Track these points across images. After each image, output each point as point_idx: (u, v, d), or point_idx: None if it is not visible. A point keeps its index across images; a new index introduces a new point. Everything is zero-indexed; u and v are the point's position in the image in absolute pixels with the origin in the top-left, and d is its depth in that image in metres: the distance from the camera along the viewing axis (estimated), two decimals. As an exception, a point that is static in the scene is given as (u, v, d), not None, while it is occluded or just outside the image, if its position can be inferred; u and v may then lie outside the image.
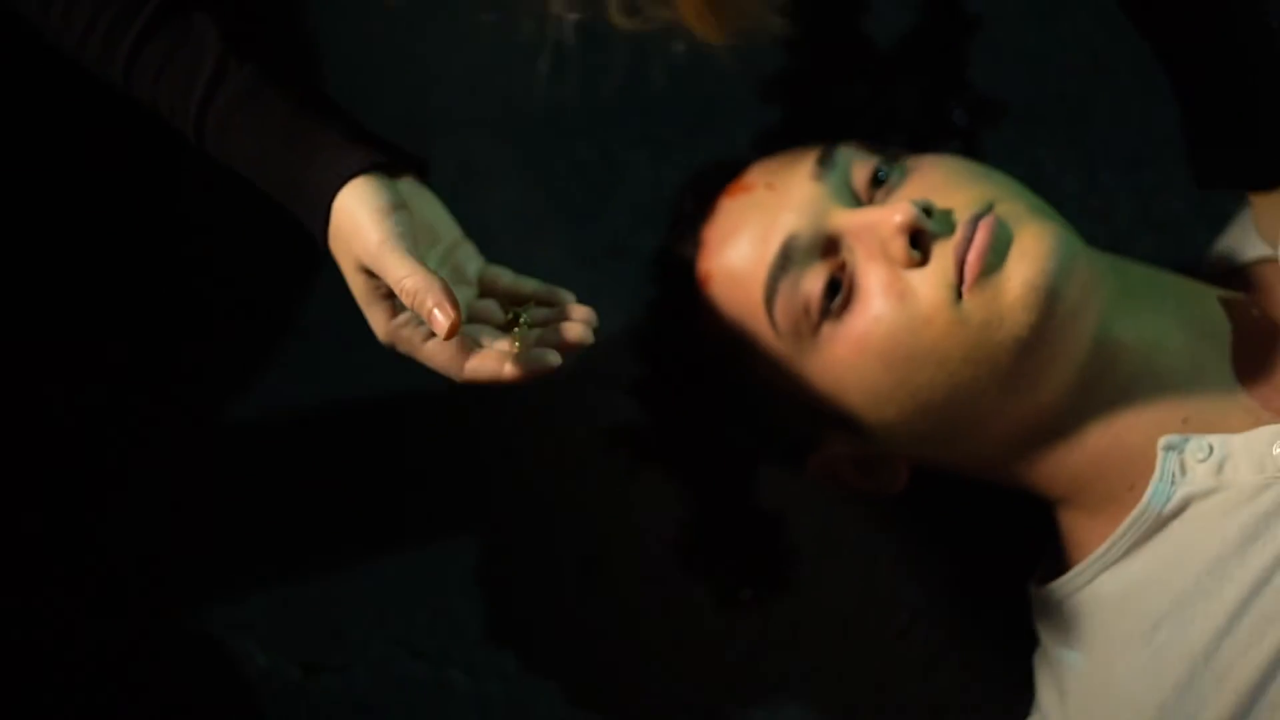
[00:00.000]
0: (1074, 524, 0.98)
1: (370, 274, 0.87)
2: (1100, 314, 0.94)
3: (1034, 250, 0.91)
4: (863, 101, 1.24)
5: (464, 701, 1.10)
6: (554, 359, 0.86)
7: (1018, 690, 1.03)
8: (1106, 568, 0.94)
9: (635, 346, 1.16)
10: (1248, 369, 0.94)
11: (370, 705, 1.10)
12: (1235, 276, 1.04)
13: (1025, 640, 1.03)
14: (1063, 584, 0.96)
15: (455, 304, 0.83)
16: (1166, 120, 1.21)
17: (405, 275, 0.84)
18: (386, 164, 0.88)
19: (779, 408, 1.00)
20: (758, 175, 1.00)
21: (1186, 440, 0.92)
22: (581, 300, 1.17)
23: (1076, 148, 1.21)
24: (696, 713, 1.09)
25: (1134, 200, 1.20)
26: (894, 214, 0.92)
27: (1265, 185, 0.98)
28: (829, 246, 0.95)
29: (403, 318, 0.88)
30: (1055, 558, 1.00)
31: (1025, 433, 0.95)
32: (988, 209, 0.93)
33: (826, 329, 0.95)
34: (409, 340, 0.88)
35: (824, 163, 0.97)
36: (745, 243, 0.97)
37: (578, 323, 0.89)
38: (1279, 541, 0.87)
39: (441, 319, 0.83)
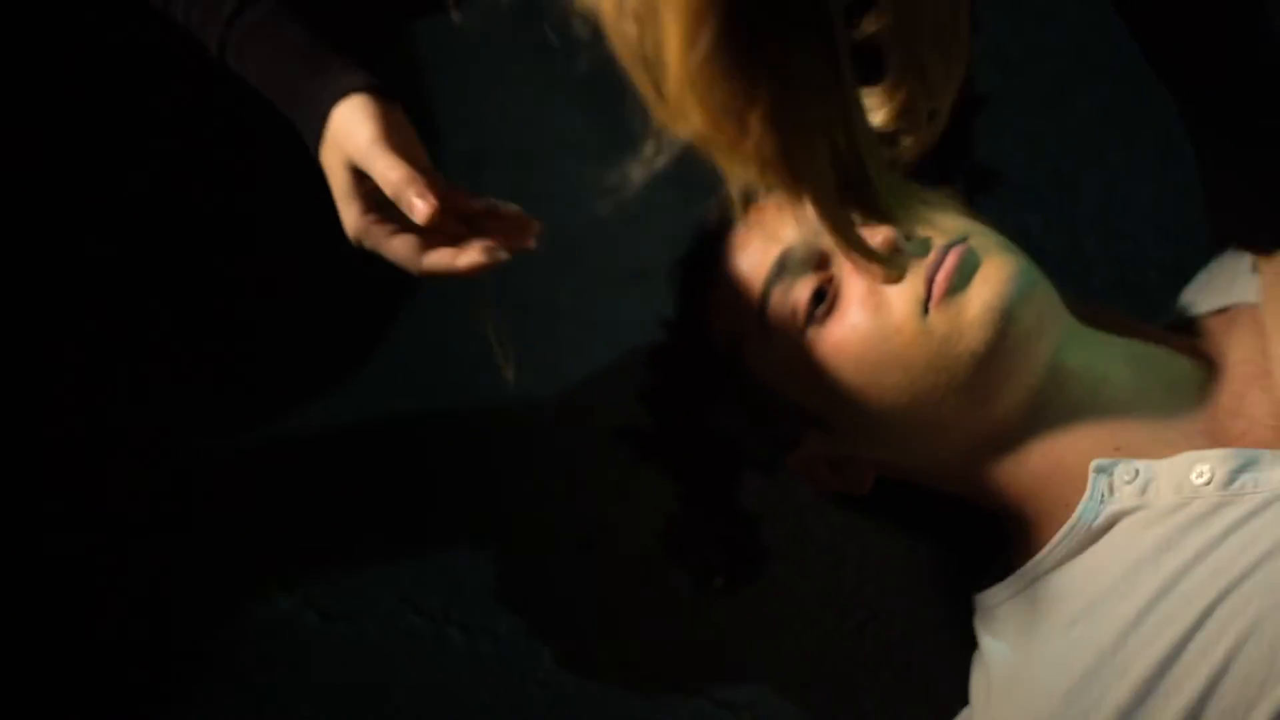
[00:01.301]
0: (1017, 535, 1.05)
1: (354, 173, 0.95)
2: (1055, 342, 1.02)
3: (995, 277, 1.00)
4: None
5: (458, 657, 1.17)
6: (501, 254, 0.95)
7: (959, 691, 1.09)
8: (1040, 576, 1.00)
9: (648, 357, 1.25)
10: (1185, 404, 1.02)
11: (376, 652, 1.17)
12: (1188, 326, 1.11)
13: (969, 646, 1.10)
14: (1001, 588, 1.03)
15: (434, 195, 0.92)
16: (1147, 199, 1.30)
17: (391, 168, 0.92)
18: (383, 88, 0.97)
19: (767, 406, 1.08)
20: (770, 201, 1.09)
21: (1115, 464, 0.99)
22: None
23: (1063, 216, 1.29)
24: (666, 683, 1.16)
25: (1111, 267, 1.28)
26: (876, 235, 1.00)
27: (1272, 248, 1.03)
28: (821, 261, 1.04)
29: (373, 216, 0.96)
30: (1000, 567, 1.07)
31: (978, 444, 1.03)
32: (961, 239, 1.01)
33: (811, 332, 1.03)
34: (377, 235, 0.96)
35: None
36: (750, 252, 1.07)
37: (524, 230, 0.98)
38: (1187, 552, 0.93)
39: (423, 206, 0.91)
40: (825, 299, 1.03)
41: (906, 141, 0.86)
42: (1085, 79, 1.34)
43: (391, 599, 1.19)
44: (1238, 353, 1.03)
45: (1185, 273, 1.23)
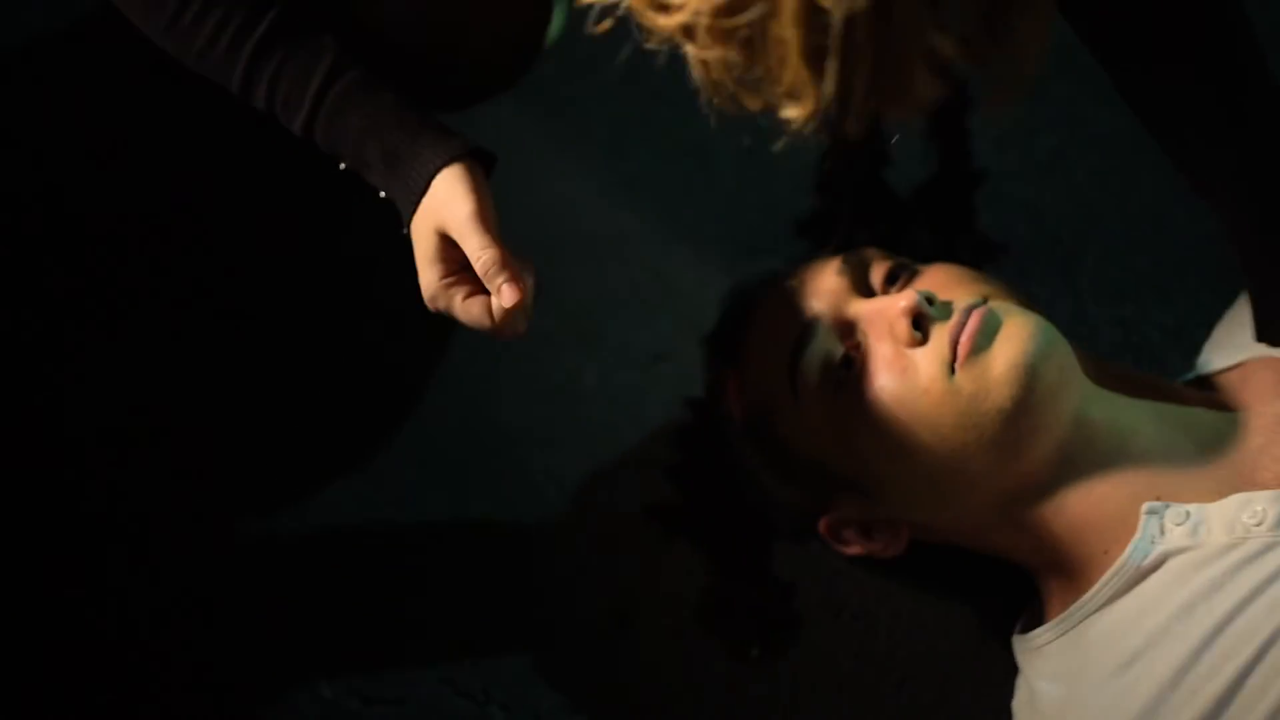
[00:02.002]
0: (1055, 584, 1.05)
1: (442, 239, 0.99)
2: (1078, 396, 1.03)
3: (1018, 335, 1.01)
4: (882, 240, 1.36)
5: (501, 735, 1.17)
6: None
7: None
8: (1088, 615, 1.01)
9: (675, 435, 1.26)
10: (1212, 453, 1.03)
11: (420, 735, 1.17)
12: (1204, 383, 1.13)
13: (1005, 700, 1.10)
14: (1046, 629, 1.04)
15: (522, 280, 0.97)
16: (1147, 263, 1.33)
17: (485, 247, 0.97)
18: (481, 152, 1.02)
19: (799, 472, 1.09)
20: (793, 276, 1.11)
21: (1167, 506, 1.00)
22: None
23: (1067, 283, 1.31)
24: (709, 755, 1.15)
25: (1116, 329, 1.29)
26: (900, 300, 1.03)
27: None
28: (846, 330, 1.06)
29: (451, 279, 1.00)
30: (1035, 616, 1.07)
31: (1010, 498, 1.04)
32: (982, 302, 1.03)
33: (841, 399, 1.04)
34: (450, 297, 1.00)
35: (848, 261, 1.09)
36: (777, 324, 1.08)
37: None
38: (1242, 589, 0.94)
39: (511, 293, 0.97)
40: (853, 365, 1.04)
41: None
42: (1081, 151, 1.37)
43: (433, 681, 1.18)
44: (1259, 403, 1.05)
45: (1187, 332, 1.25)
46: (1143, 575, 0.99)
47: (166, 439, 1.26)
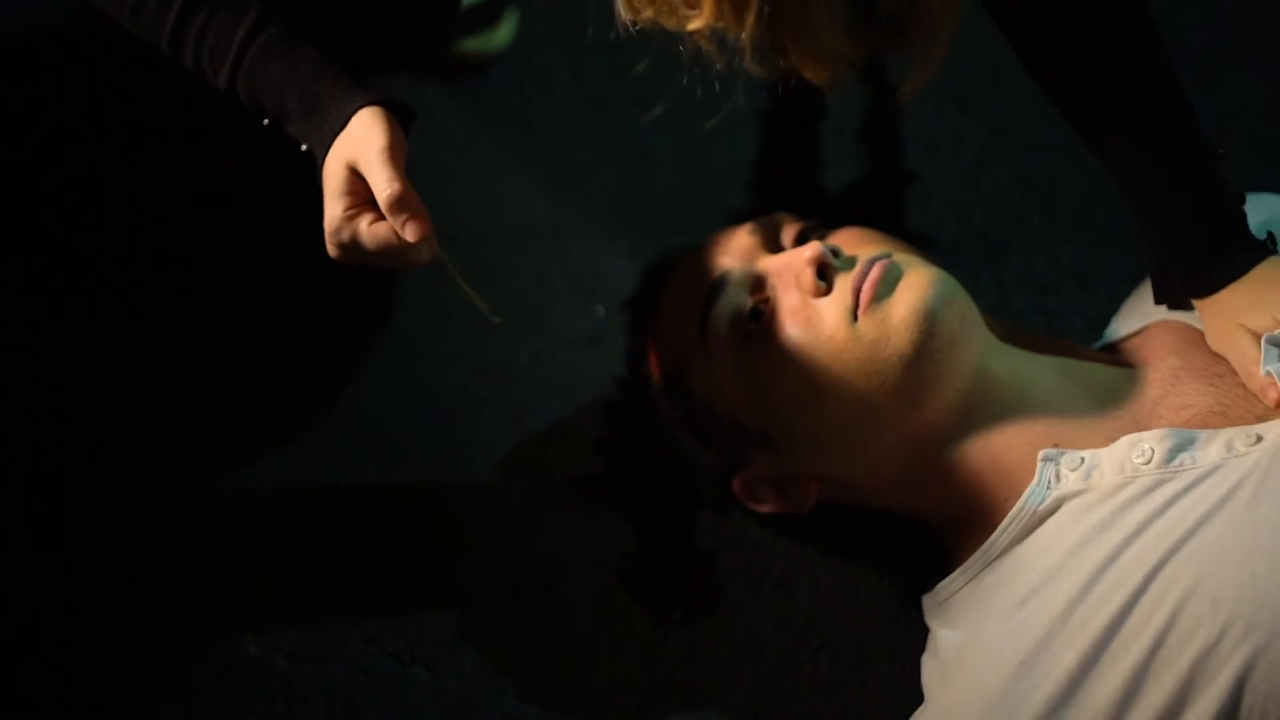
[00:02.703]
0: (960, 536, 1.05)
1: (352, 173, 1.00)
2: (980, 348, 1.04)
3: (919, 283, 1.03)
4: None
5: (424, 693, 1.16)
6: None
7: (911, 707, 1.08)
8: (989, 563, 1.01)
9: (604, 410, 1.27)
10: (1112, 404, 1.04)
11: (344, 693, 1.16)
12: (1109, 350, 1.14)
13: (918, 666, 1.09)
14: (950, 580, 1.04)
15: (424, 215, 0.98)
16: (1069, 258, 1.34)
17: (391, 180, 0.97)
18: (397, 103, 1.03)
19: (712, 428, 1.10)
20: (709, 240, 1.13)
21: (1062, 453, 1.00)
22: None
23: (992, 273, 1.33)
24: (627, 713, 1.14)
25: (1039, 318, 1.31)
26: (806, 250, 1.04)
27: (1208, 293, 1.04)
28: (756, 284, 1.07)
29: (354, 210, 1.00)
30: (944, 580, 1.07)
31: (916, 447, 1.04)
32: (886, 255, 1.05)
33: (748, 350, 1.05)
34: (355, 225, 1.00)
35: (760, 222, 1.11)
36: (689, 280, 1.10)
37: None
38: (1130, 525, 0.94)
39: (415, 228, 0.98)
40: (762, 318, 1.06)
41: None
42: (1007, 155, 1.39)
43: (358, 641, 1.18)
44: (1157, 359, 1.06)
45: (1106, 320, 1.27)
46: (1040, 520, 1.00)
47: (108, 404, 1.28)
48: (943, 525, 1.08)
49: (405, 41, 1.22)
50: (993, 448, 1.03)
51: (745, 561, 1.19)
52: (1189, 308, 1.07)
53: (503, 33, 1.46)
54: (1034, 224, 1.36)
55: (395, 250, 0.99)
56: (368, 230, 1.00)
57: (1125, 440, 0.99)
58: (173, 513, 1.24)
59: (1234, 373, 1.01)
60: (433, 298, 1.35)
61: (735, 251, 1.09)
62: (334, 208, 1.01)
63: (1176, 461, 0.96)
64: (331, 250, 1.02)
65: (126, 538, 1.22)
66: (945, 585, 1.04)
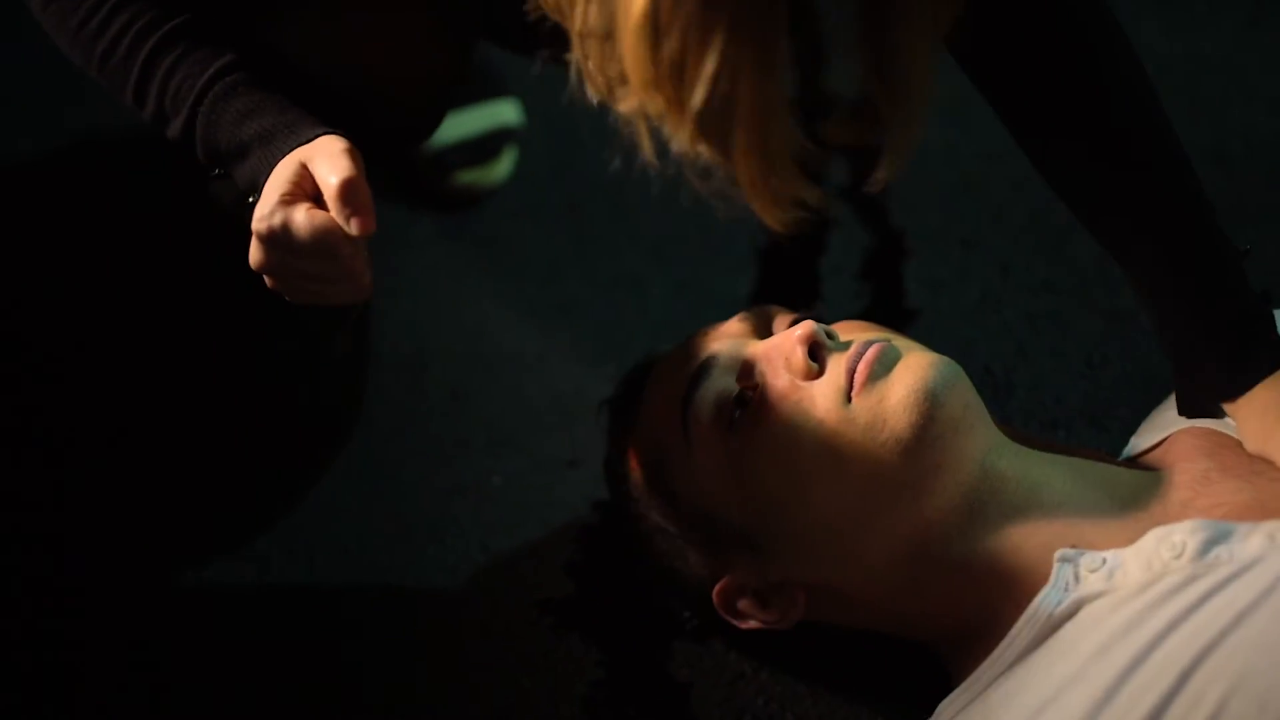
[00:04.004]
0: (962, 653, 0.90)
1: (302, 168, 0.88)
2: (985, 441, 0.91)
3: (918, 364, 0.90)
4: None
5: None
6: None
7: None
8: (997, 675, 0.86)
9: (580, 534, 1.14)
10: (1133, 506, 0.90)
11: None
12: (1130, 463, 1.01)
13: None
14: (953, 699, 0.88)
15: (374, 217, 0.86)
16: (1078, 397, 1.22)
17: (346, 170, 0.86)
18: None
19: (691, 528, 0.96)
20: (698, 332, 1.01)
21: (1081, 553, 0.87)
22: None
23: (998, 410, 1.18)
24: None
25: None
26: (796, 330, 0.92)
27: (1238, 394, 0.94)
28: (745, 370, 0.95)
29: (290, 196, 0.87)
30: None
31: (914, 552, 0.90)
32: (883, 340, 0.93)
33: (733, 438, 0.93)
34: (289, 211, 0.87)
35: (752, 311, 1.00)
36: (674, 369, 0.98)
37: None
38: (1160, 622, 0.80)
39: (360, 224, 0.85)
40: (749, 404, 0.93)
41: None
42: (1011, 295, 1.29)
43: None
44: (1183, 461, 0.92)
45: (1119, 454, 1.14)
46: (1055, 625, 0.85)
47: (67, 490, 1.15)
48: (944, 641, 0.93)
49: (389, 125, 1.13)
50: (1002, 549, 0.89)
51: (724, 695, 1.03)
52: (1219, 414, 0.94)
53: (501, 167, 1.39)
54: (1042, 363, 1.24)
55: (330, 246, 0.86)
56: (304, 215, 0.86)
57: (1153, 535, 0.85)
58: (125, 622, 1.10)
59: (1272, 469, 0.88)
60: (405, 415, 1.23)
61: (723, 337, 0.97)
62: (270, 196, 0.88)
63: (1212, 555, 0.82)
64: (254, 252, 0.89)
65: (73, 638, 1.08)
66: (947, 705, 0.88)
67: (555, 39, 0.83)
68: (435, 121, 1.23)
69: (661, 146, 0.81)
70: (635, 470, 1.00)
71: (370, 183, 0.91)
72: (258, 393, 1.23)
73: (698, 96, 0.71)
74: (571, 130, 1.40)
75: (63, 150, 1.42)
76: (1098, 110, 0.94)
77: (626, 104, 0.77)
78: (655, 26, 0.70)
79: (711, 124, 0.73)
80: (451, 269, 1.34)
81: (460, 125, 1.37)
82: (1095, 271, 1.29)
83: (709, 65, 0.70)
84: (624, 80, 0.76)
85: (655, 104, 0.75)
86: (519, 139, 1.39)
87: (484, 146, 1.38)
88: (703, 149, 0.75)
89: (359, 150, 0.90)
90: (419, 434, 1.21)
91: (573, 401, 1.23)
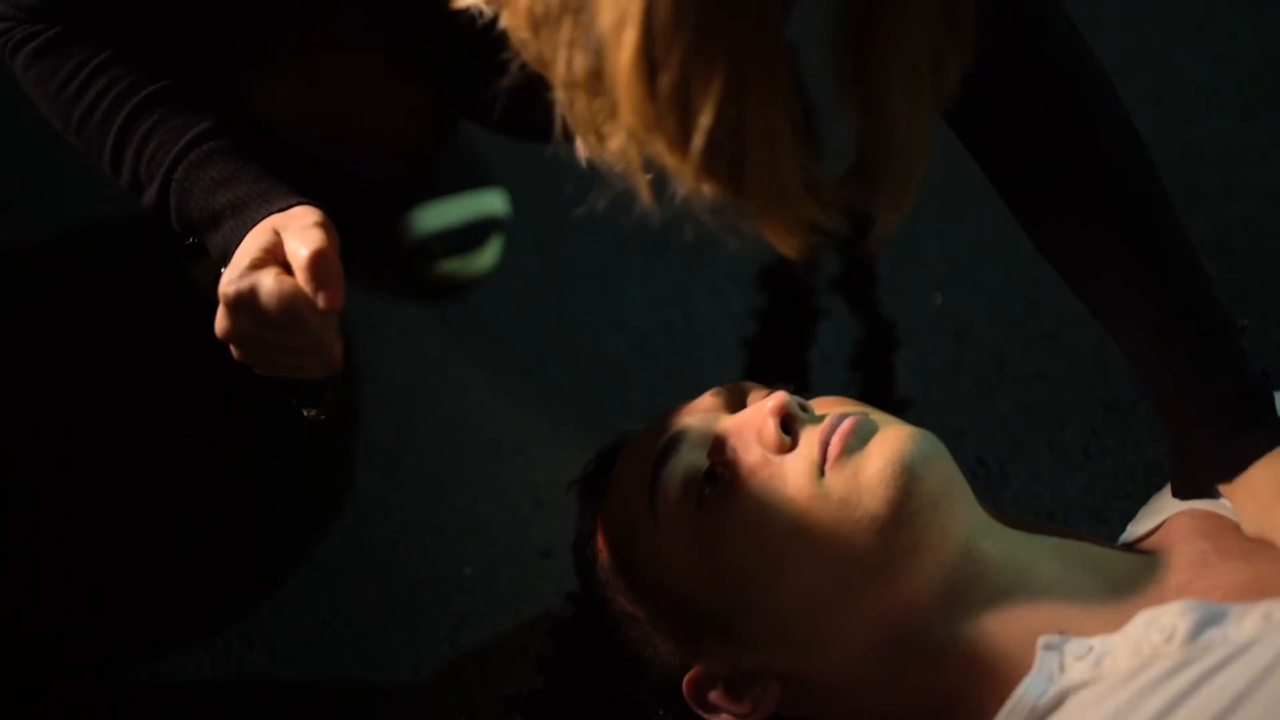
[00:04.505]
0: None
1: (275, 235, 0.85)
2: (968, 521, 0.85)
3: (895, 437, 0.85)
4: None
5: None
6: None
7: None
8: None
9: (552, 627, 1.08)
10: (1126, 591, 0.84)
11: None
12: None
13: None
14: None
15: (342, 292, 0.82)
16: (1076, 490, 1.17)
17: (319, 242, 0.82)
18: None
19: (659, 612, 0.90)
20: (669, 409, 0.96)
21: (1066, 640, 0.80)
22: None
23: (991, 500, 1.12)
24: None
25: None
26: (768, 401, 0.87)
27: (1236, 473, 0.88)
28: (716, 446, 0.89)
29: (260, 261, 0.84)
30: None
31: (892, 637, 0.83)
32: (860, 413, 0.88)
33: (702, 514, 0.86)
34: (256, 277, 0.83)
35: (725, 387, 0.94)
36: (643, 445, 0.92)
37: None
38: (1149, 711, 0.73)
39: (327, 298, 0.82)
40: (719, 481, 0.87)
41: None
42: (1006, 385, 1.24)
43: None
44: (1180, 544, 0.86)
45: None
46: (1040, 717, 0.78)
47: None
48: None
49: (366, 193, 1.10)
50: (984, 635, 0.82)
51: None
52: (1215, 494, 0.88)
53: (486, 257, 1.36)
54: (1039, 454, 1.18)
55: (297, 315, 0.82)
56: (272, 281, 0.82)
57: (1141, 617, 0.79)
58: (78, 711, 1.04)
59: (1270, 550, 0.82)
60: (377, 502, 1.18)
61: (695, 412, 0.92)
62: (240, 259, 0.84)
63: (1204, 639, 0.76)
64: (220, 319, 0.85)
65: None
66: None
67: (533, 119, 0.79)
68: (413, 192, 1.20)
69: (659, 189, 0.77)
70: (603, 551, 0.94)
71: (352, 266, 0.88)
72: (234, 479, 1.19)
73: (703, 128, 0.66)
74: (558, 221, 1.37)
75: (50, 240, 1.40)
76: (1097, 185, 0.90)
77: (617, 150, 0.73)
78: (650, 62, 0.65)
79: (719, 157, 0.68)
80: (433, 356, 1.29)
81: (446, 214, 1.34)
82: (1092, 362, 1.23)
83: (713, 95, 0.65)
84: (614, 129, 0.72)
85: (654, 144, 0.70)
86: (505, 229, 1.36)
87: (469, 235, 1.35)
88: (709, 186, 0.70)
89: (334, 223, 0.87)
90: (390, 521, 1.16)
91: (549, 491, 1.18)
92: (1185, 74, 1.43)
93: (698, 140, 0.67)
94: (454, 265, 1.34)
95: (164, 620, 1.10)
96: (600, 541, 0.94)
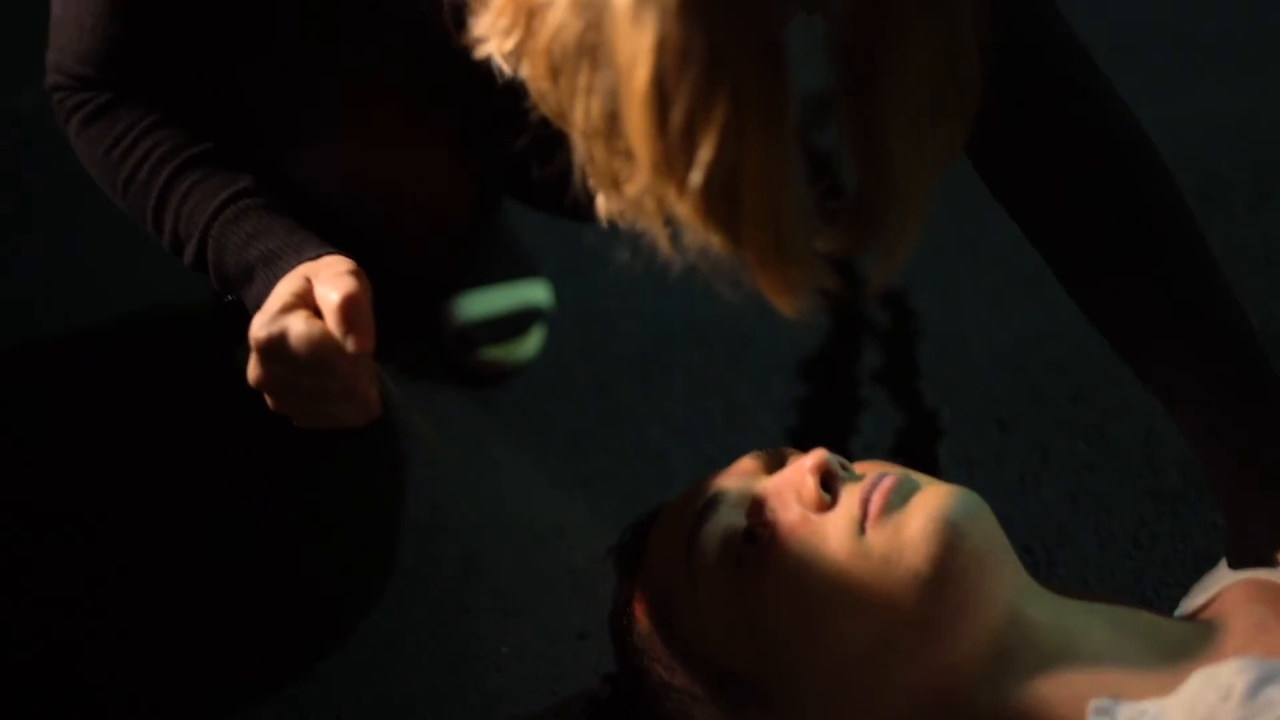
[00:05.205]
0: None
1: (307, 282, 0.84)
2: (1014, 584, 0.81)
3: (938, 494, 0.82)
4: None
5: None
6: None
7: None
8: None
9: (586, 706, 1.04)
10: (1181, 658, 0.80)
11: None
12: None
13: None
14: None
15: (373, 337, 0.82)
16: (1127, 574, 1.13)
17: (350, 288, 0.82)
18: None
19: (699, 679, 0.86)
20: (708, 473, 0.94)
21: (1118, 703, 0.76)
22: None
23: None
24: None
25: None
26: (808, 459, 0.85)
27: None
28: (755, 507, 0.87)
29: (291, 305, 0.84)
30: None
31: (936, 699, 0.79)
32: (900, 473, 0.85)
33: (740, 575, 0.83)
34: (287, 320, 0.83)
35: (767, 451, 0.92)
36: (680, 506, 0.90)
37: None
38: None
39: (356, 341, 0.82)
40: (758, 541, 0.85)
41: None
42: (1052, 474, 1.20)
43: None
44: (1236, 612, 0.82)
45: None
46: None
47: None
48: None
49: (406, 266, 1.10)
50: (1032, 701, 0.78)
51: None
52: (1272, 562, 0.85)
53: (528, 345, 1.35)
54: (1086, 542, 1.14)
55: (326, 359, 0.81)
56: (302, 324, 0.82)
57: (1197, 677, 0.74)
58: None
59: None
60: (413, 580, 1.16)
61: (734, 475, 0.90)
62: (270, 305, 0.84)
63: (1263, 696, 0.71)
64: (252, 367, 0.84)
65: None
66: None
67: (570, 195, 0.79)
68: (456, 275, 1.19)
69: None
70: (640, 619, 0.90)
71: (395, 348, 0.88)
72: (277, 558, 1.17)
73: (702, 163, 0.65)
74: (601, 312, 1.38)
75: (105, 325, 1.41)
76: (1144, 248, 0.89)
77: (634, 198, 0.72)
78: (661, 98, 0.65)
79: (717, 197, 0.67)
80: (474, 440, 1.28)
81: (490, 302, 1.34)
82: (1140, 452, 1.20)
83: (714, 128, 0.65)
84: (629, 175, 0.71)
85: (666, 190, 0.69)
86: (548, 319, 1.36)
87: (513, 324, 1.35)
88: (711, 231, 0.69)
89: (377, 304, 0.86)
90: (426, 599, 1.13)
91: (588, 573, 1.15)
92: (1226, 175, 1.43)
93: (696, 176, 0.66)
94: (497, 353, 1.33)
95: (199, 694, 1.07)
96: (637, 609, 0.91)
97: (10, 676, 1.09)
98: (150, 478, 1.24)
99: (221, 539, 1.19)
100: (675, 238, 0.73)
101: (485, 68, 0.75)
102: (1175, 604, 1.07)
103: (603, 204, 0.76)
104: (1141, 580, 1.11)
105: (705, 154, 0.66)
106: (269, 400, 0.87)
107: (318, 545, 1.19)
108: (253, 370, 0.85)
